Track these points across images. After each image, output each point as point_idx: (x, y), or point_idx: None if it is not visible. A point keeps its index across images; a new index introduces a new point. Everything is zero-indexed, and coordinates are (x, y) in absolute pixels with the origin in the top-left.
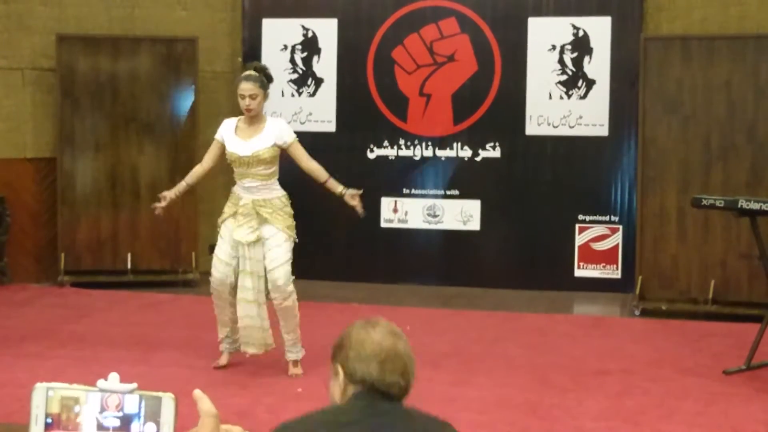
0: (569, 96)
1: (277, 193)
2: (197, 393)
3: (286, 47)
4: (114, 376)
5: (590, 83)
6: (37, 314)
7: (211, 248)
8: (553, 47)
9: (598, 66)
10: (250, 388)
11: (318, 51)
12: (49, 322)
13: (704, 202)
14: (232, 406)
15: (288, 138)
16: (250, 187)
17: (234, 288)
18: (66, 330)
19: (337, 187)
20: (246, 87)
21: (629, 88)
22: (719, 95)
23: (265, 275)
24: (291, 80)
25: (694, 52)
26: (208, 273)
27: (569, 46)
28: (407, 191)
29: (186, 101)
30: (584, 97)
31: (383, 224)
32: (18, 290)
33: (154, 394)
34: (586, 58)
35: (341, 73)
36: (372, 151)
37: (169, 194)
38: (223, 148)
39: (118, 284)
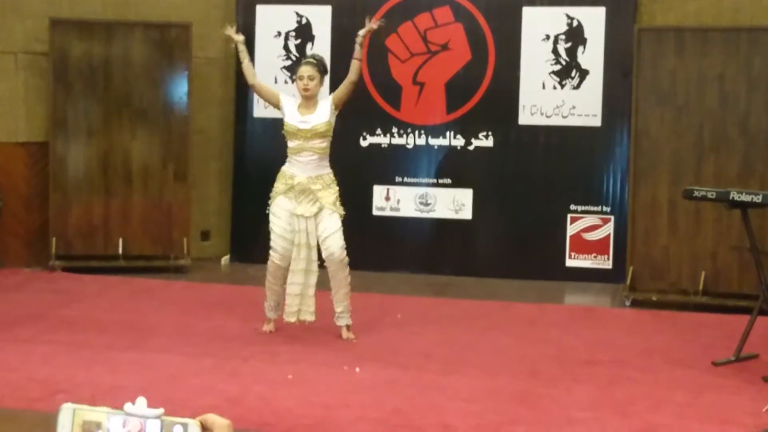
0: (563, 86)
1: (327, 170)
2: (209, 419)
3: (279, 34)
4: (141, 401)
5: (584, 73)
6: (28, 299)
7: (203, 234)
8: (547, 37)
9: (592, 56)
10: (241, 376)
11: (312, 38)
12: (40, 307)
13: (696, 193)
14: (223, 393)
15: (328, 99)
16: (306, 162)
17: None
18: (57, 315)
19: (359, 45)
20: (305, 69)
21: (623, 78)
22: (712, 87)
23: (317, 246)
24: (284, 67)
25: (688, 44)
26: (200, 259)
27: (563, 36)
28: (399, 179)
29: (179, 87)
30: (578, 87)
31: (375, 212)
32: (9, 275)
33: (180, 420)
34: (580, 49)
35: (335, 61)
36: (365, 138)
37: (241, 39)
38: (275, 97)
39: (109, 269)
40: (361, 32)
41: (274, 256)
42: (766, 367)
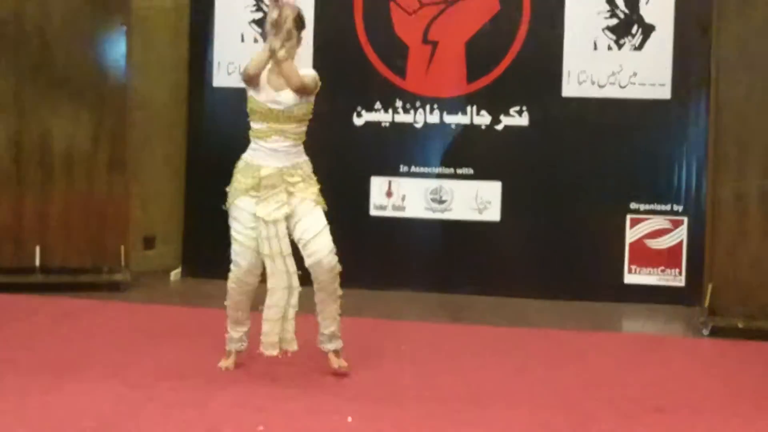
0: (620, 46)
1: (303, 157)
2: None
3: None
4: None
5: (648, 30)
6: None
7: (147, 241)
8: None
9: (659, 7)
10: (196, 426)
11: None
12: None
13: None
14: None
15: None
16: (277, 150)
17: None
18: None
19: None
20: None
21: (699, 36)
22: None
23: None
24: (254, 20)
25: None
26: (140, 273)
27: None
28: (405, 169)
29: (114, 47)
30: (640, 47)
31: (373, 212)
32: None
33: None
34: None
35: (319, 14)
36: (359, 115)
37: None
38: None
39: (22, 287)
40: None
41: (237, 273)
42: None
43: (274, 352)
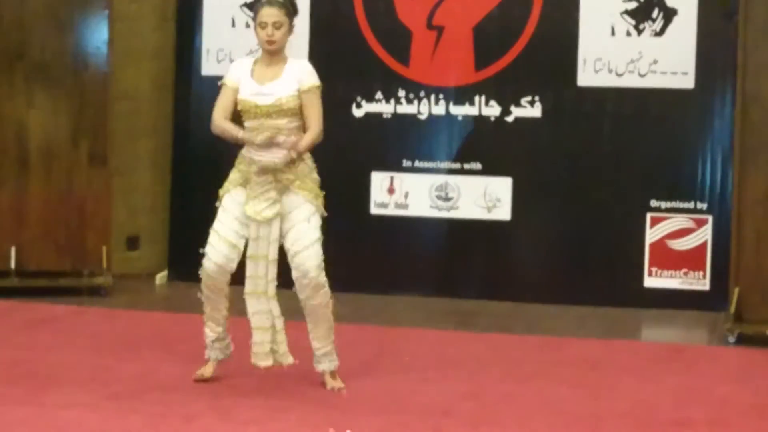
0: (640, 32)
1: (302, 155)
2: None
3: None
4: None
5: (670, 14)
6: None
7: (130, 242)
8: None
9: None
10: None
11: None
12: None
13: None
14: None
15: (307, 79)
16: (270, 147)
17: (231, 276)
18: None
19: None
20: (269, 12)
21: (725, 21)
22: None
23: (277, 260)
24: (245, 4)
25: None
26: (123, 276)
27: None
28: (408, 164)
29: (96, 33)
30: (661, 33)
31: (374, 210)
32: None
33: None
34: None
35: None
36: (359, 106)
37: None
38: (232, 91)
39: None
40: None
41: (208, 267)
42: None
43: (269, 362)
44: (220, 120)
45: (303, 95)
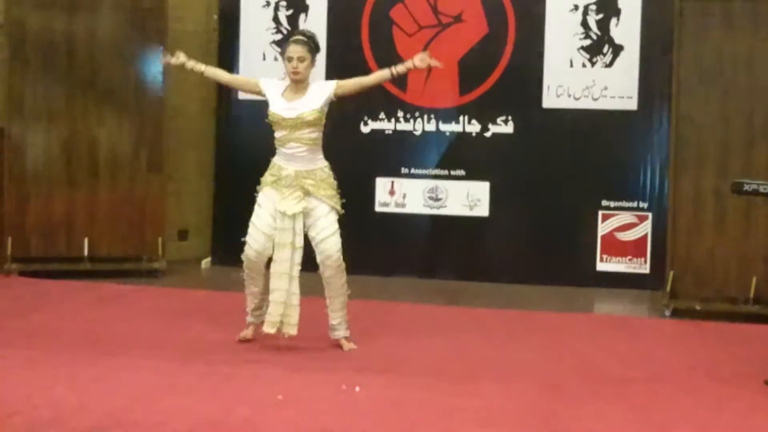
0: (593, 64)
1: (320, 164)
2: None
3: (268, 3)
4: None
5: (617, 49)
6: None
7: (181, 234)
8: (576, 7)
9: (627, 30)
10: (223, 396)
11: (305, 8)
12: None
13: (746, 187)
14: (203, 416)
15: (330, 86)
16: (294, 154)
17: (269, 260)
18: (12, 326)
19: (404, 66)
20: (295, 49)
21: (662, 55)
22: (764, 65)
23: (303, 248)
24: (274, 41)
25: (737, 16)
26: (174, 262)
27: (594, 7)
28: (406, 171)
29: (153, 65)
30: (610, 65)
31: (378, 208)
32: None
33: None
34: (613, 21)
35: (331, 35)
36: (366, 124)
37: (183, 59)
38: (253, 86)
39: (73, 273)
40: (417, 63)
41: (249, 253)
42: None
43: (272, 330)
44: (223, 72)
45: (338, 90)
